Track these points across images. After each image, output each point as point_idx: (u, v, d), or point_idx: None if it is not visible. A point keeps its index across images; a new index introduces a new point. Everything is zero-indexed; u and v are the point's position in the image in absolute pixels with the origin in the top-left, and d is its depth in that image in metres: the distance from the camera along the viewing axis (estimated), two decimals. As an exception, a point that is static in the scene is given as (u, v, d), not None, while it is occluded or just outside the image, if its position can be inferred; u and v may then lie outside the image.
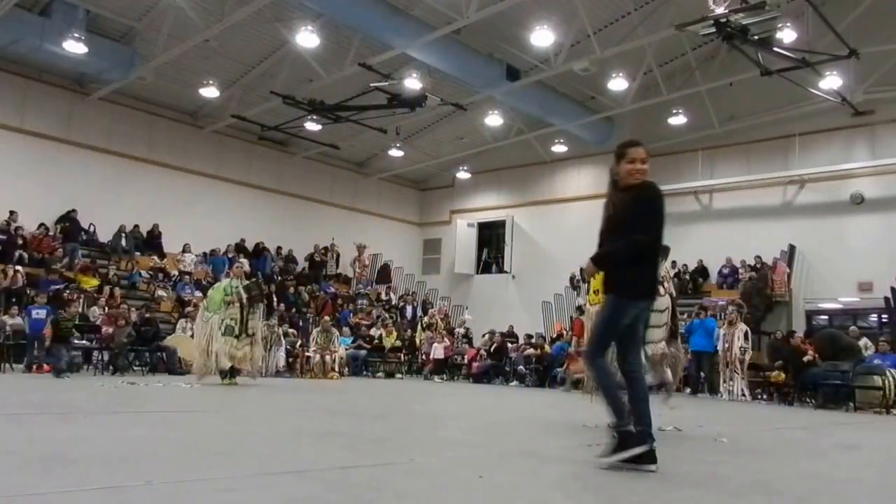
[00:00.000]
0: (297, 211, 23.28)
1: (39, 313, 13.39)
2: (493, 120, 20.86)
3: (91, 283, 16.82)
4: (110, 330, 13.88)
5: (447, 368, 18.42)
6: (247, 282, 11.48)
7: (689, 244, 20.27)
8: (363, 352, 18.50)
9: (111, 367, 13.28)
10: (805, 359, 12.48)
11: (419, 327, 19.95)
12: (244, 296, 10.97)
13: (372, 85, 17.22)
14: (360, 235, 23.47)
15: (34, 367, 12.97)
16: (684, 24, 13.98)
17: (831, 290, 18.40)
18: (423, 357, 18.69)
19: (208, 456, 3.96)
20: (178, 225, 19.83)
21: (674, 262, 19.75)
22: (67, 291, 15.46)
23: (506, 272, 24.06)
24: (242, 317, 10.85)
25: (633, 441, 3.93)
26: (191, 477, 3.22)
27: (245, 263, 13.28)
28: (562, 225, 22.78)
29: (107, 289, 16.42)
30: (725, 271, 19.89)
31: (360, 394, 11.21)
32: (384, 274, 24.54)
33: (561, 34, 16.47)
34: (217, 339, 10.66)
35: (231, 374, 10.93)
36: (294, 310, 20.18)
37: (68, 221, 18.09)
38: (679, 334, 6.25)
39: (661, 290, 5.78)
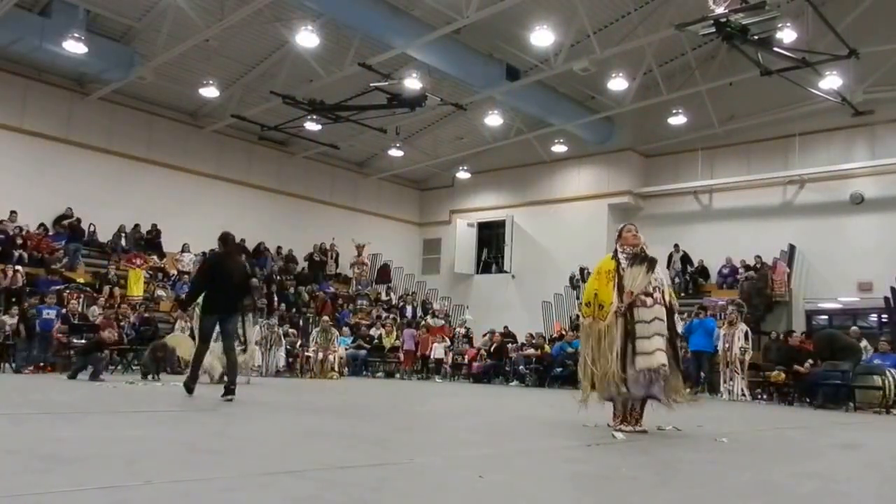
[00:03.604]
0: (297, 211, 23.27)
1: (49, 313, 13.40)
2: (493, 120, 20.85)
3: (137, 276, 17.36)
4: (105, 332, 13.83)
5: (427, 367, 18.65)
6: None
7: (689, 244, 20.34)
8: (363, 352, 18.51)
9: (144, 372, 12.65)
10: (805, 365, 12.42)
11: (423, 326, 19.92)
12: None
13: (372, 85, 17.21)
14: (360, 235, 23.45)
15: (36, 366, 12.99)
16: (684, 24, 13.98)
17: (831, 290, 18.41)
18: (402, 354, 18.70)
19: (208, 456, 3.96)
20: (177, 225, 19.82)
21: (669, 260, 19.81)
22: (67, 291, 15.47)
23: (506, 272, 24.05)
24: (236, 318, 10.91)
25: (227, 390, 7.68)
26: (191, 477, 3.22)
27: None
28: (562, 225, 22.78)
29: (106, 289, 16.42)
30: (725, 271, 19.90)
31: (359, 394, 11.21)
32: (384, 274, 24.53)
33: (561, 34, 16.47)
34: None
35: (222, 376, 11.00)
36: (294, 310, 20.18)
37: (71, 220, 18.08)
38: (677, 341, 6.09)
39: (649, 301, 5.73)
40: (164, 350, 12.72)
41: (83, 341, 13.58)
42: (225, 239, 8.38)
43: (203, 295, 8.13)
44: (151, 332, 14.53)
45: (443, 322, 19.97)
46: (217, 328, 8.13)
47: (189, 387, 7.97)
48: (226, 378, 8.27)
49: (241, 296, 8.33)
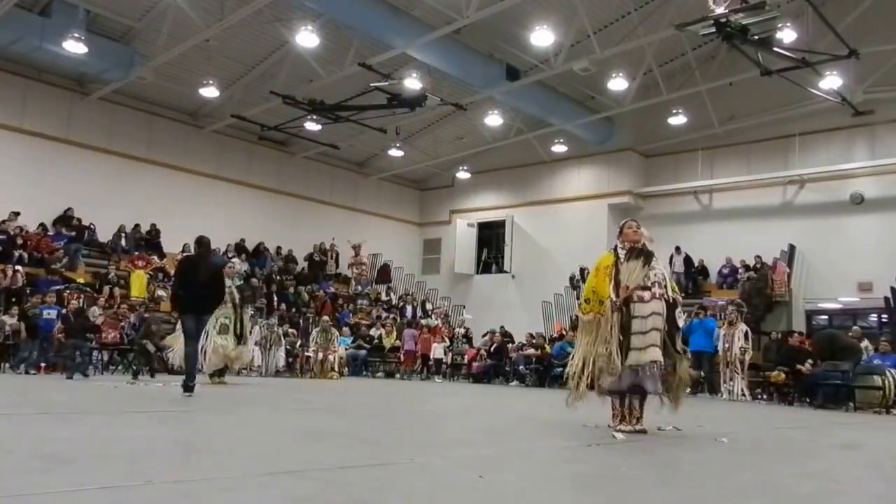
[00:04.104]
0: (297, 211, 23.27)
1: (50, 313, 13.39)
2: (493, 120, 20.85)
3: (140, 278, 17.70)
4: (113, 333, 13.85)
5: (426, 366, 18.65)
6: (240, 283, 11.64)
7: (689, 244, 20.32)
8: (363, 352, 18.51)
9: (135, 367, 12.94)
10: (805, 365, 12.42)
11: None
12: (237, 296, 11.08)
13: (372, 85, 17.21)
14: (359, 235, 23.46)
15: (40, 366, 12.99)
16: (684, 24, 13.98)
17: (831, 290, 18.41)
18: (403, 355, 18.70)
19: (208, 456, 3.96)
20: (177, 225, 19.80)
21: (670, 261, 19.79)
22: (68, 291, 15.46)
23: (506, 272, 24.05)
24: (235, 316, 10.95)
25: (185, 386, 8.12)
26: (191, 477, 3.22)
27: (237, 263, 13.41)
28: (562, 225, 22.78)
29: (106, 289, 16.41)
30: (725, 271, 19.90)
31: (359, 394, 11.21)
32: (384, 274, 24.54)
33: (561, 34, 16.46)
34: (212, 337, 10.73)
35: (220, 373, 11.04)
36: (294, 310, 20.18)
37: (71, 220, 18.07)
38: (678, 344, 5.94)
39: (647, 295, 5.69)
40: (159, 324, 12.71)
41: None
42: (199, 242, 8.95)
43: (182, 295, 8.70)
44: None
45: (437, 322, 19.95)
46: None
47: (188, 387, 8.11)
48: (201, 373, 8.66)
49: (212, 295, 8.82)
